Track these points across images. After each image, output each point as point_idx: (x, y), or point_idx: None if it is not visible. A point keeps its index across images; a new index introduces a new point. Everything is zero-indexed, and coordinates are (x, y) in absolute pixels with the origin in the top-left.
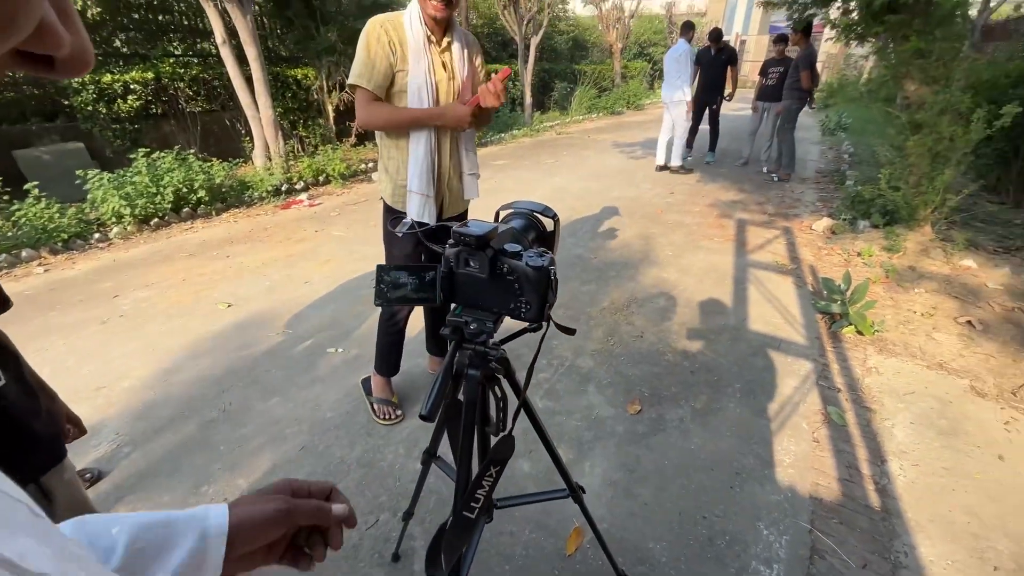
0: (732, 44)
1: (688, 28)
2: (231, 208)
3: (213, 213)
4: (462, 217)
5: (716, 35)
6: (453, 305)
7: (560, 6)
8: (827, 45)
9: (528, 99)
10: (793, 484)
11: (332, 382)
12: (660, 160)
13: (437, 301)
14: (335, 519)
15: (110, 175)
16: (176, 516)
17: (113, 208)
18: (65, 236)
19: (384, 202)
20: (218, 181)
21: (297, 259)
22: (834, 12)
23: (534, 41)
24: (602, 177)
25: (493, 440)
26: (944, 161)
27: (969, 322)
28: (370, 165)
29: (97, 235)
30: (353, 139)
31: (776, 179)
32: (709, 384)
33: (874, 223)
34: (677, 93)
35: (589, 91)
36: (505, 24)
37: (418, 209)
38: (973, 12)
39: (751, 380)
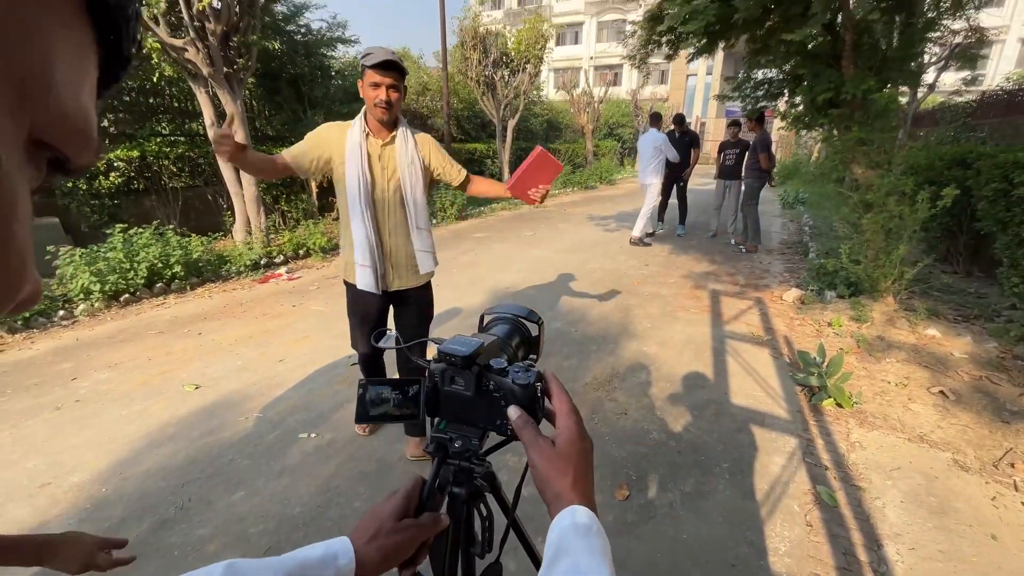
0: (693, 126)
1: (656, 119)
2: (207, 283)
3: (188, 288)
4: (423, 290)
5: (679, 120)
6: (436, 419)
7: (535, 92)
8: (780, 126)
9: (506, 175)
10: None
11: (303, 472)
12: (650, 228)
13: (420, 417)
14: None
15: (83, 251)
16: (310, 558)
17: (82, 284)
18: (26, 314)
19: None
20: (195, 256)
21: (272, 336)
22: (782, 105)
23: (511, 123)
24: (579, 249)
25: (478, 562)
26: (897, 237)
27: (942, 392)
28: None
29: (62, 312)
30: (336, 213)
31: (744, 251)
32: (697, 464)
33: (840, 294)
34: (652, 176)
35: (564, 167)
36: (484, 108)
37: (364, 279)
38: (904, 100)
39: (738, 459)
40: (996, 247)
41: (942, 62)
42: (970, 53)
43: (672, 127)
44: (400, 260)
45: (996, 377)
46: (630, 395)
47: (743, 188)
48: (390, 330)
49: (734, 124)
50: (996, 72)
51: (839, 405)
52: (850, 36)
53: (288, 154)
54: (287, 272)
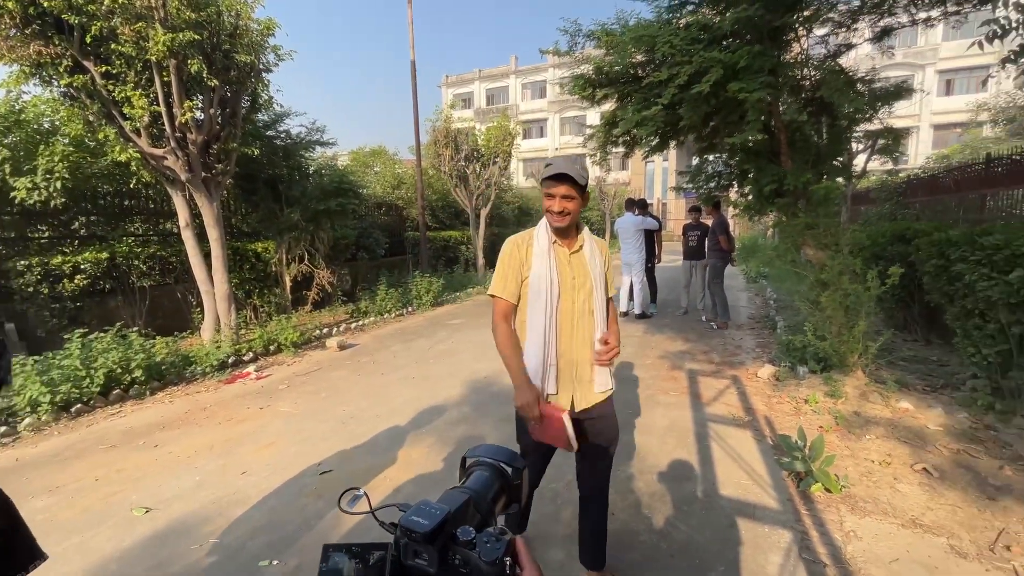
0: (654, 208)
1: (631, 203)
2: (169, 386)
3: (148, 393)
4: (606, 405)
5: (643, 204)
6: None
7: (505, 182)
8: (734, 213)
9: (480, 260)
10: None
11: None
12: (623, 308)
13: None
14: None
15: (36, 359)
16: None
17: (30, 396)
18: None
19: None
20: (159, 358)
21: (236, 443)
22: (733, 194)
23: (484, 212)
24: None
25: None
26: (855, 313)
27: (925, 469)
28: (325, 331)
29: (3, 429)
30: (309, 306)
31: (715, 327)
32: (692, 569)
33: (812, 369)
34: (635, 253)
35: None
36: (457, 199)
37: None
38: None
39: (733, 559)
40: (947, 318)
41: (867, 153)
42: (887, 147)
43: (636, 212)
44: (584, 375)
45: (973, 450)
46: (616, 492)
47: (708, 267)
48: (357, 489)
49: (694, 209)
50: (917, 153)
51: (828, 490)
52: (784, 136)
53: (504, 292)
54: (256, 371)
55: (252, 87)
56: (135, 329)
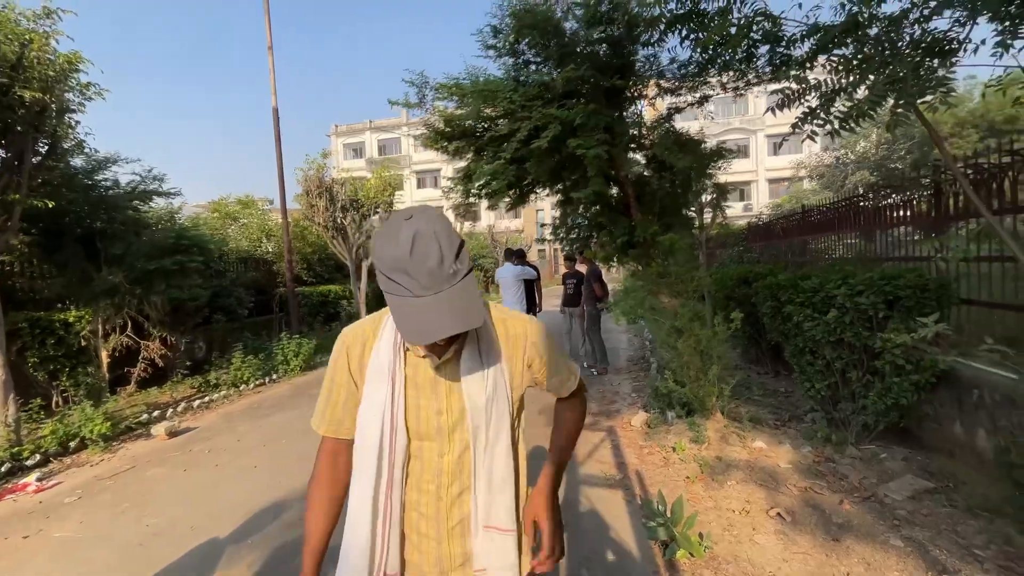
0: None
1: (509, 254)
2: None
3: None
4: None
5: (520, 254)
6: None
7: None
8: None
9: (364, 315)
10: None
11: None
12: None
13: None
14: None
15: None
16: None
17: None
18: None
19: None
20: None
21: None
22: (594, 245)
23: (365, 264)
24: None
25: None
26: (709, 358)
27: (779, 514)
28: (155, 413)
29: None
30: (132, 386)
31: (596, 373)
32: None
33: (678, 414)
34: (517, 304)
35: None
36: (335, 251)
37: None
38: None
39: None
40: (785, 355)
41: (707, 207)
42: (714, 202)
43: (515, 261)
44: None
45: (817, 487)
46: None
47: (585, 315)
48: None
49: (569, 258)
50: (758, 202)
51: (692, 554)
52: (631, 190)
53: (322, 424)
54: (39, 480)
55: (50, 129)
56: None
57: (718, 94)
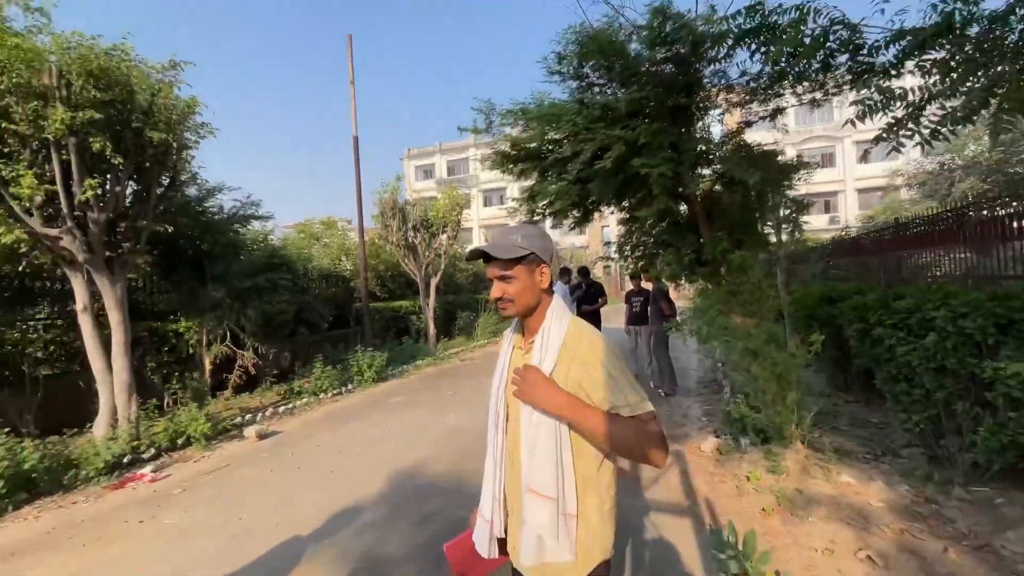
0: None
1: (566, 272)
2: (41, 497)
3: (10, 508)
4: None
5: (584, 272)
6: None
7: (458, 250)
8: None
9: (432, 330)
10: None
11: None
12: None
13: None
14: None
15: None
16: None
17: None
18: None
19: None
20: (27, 466)
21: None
22: (659, 264)
23: (434, 281)
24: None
25: None
26: (787, 383)
27: (869, 557)
28: (247, 416)
29: None
30: (229, 392)
31: (663, 394)
32: None
33: (752, 441)
34: None
35: (491, 318)
36: (406, 268)
37: (479, 536)
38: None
39: None
40: (876, 382)
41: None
42: (791, 218)
43: (578, 279)
44: (515, 530)
45: (916, 530)
46: None
47: (652, 334)
48: None
49: (634, 276)
50: (847, 214)
51: None
52: (699, 207)
53: None
54: (153, 471)
55: (172, 164)
56: (7, 430)
57: (793, 105)
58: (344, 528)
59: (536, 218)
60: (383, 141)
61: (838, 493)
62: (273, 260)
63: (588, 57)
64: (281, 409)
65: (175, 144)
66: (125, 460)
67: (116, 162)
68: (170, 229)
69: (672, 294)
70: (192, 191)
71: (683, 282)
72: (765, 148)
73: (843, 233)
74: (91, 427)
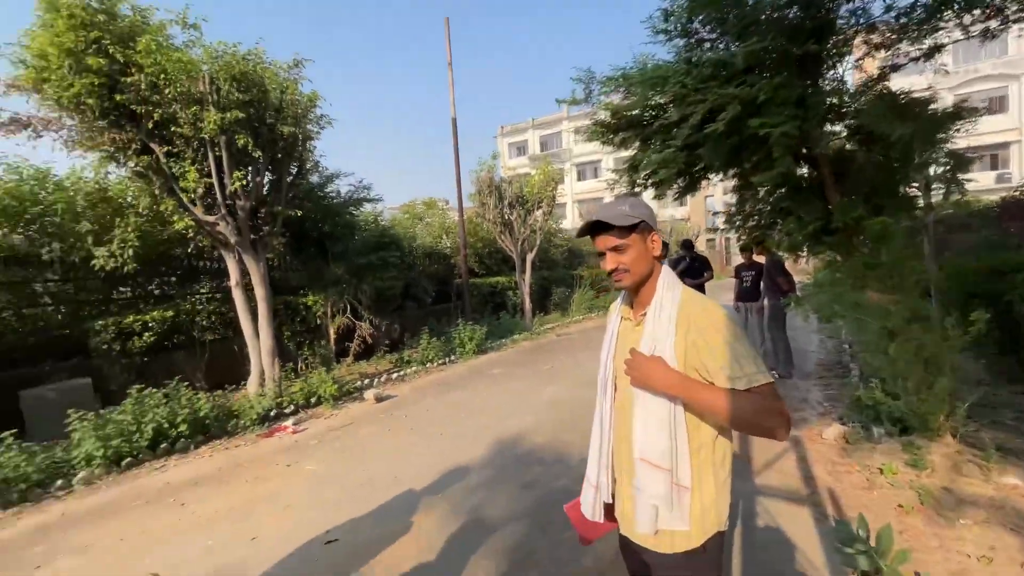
0: (716, 243)
1: (688, 245)
2: (212, 440)
3: (192, 447)
4: (655, 559)
5: (688, 245)
6: None
7: (552, 225)
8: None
9: (528, 305)
10: None
11: None
12: None
13: None
14: None
15: (93, 416)
16: None
17: (86, 451)
18: (24, 486)
19: None
20: (202, 413)
21: (255, 505)
22: (776, 234)
23: (529, 256)
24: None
25: None
26: (936, 368)
27: None
28: (365, 381)
29: (60, 481)
30: (350, 359)
31: (777, 376)
32: None
33: (888, 432)
34: None
35: (586, 293)
36: (502, 245)
37: (585, 502)
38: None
39: None
40: None
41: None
42: (947, 176)
43: (681, 252)
44: (625, 497)
45: None
46: None
47: (766, 311)
48: None
49: (745, 248)
50: (1022, 170)
51: None
52: (828, 169)
53: None
54: (294, 424)
55: (299, 154)
56: (186, 384)
57: (957, 40)
58: (453, 486)
59: (636, 190)
60: (478, 121)
61: (1000, 496)
62: (383, 239)
63: (699, 10)
64: (394, 376)
65: (301, 136)
66: (272, 414)
67: (256, 155)
68: (299, 213)
69: (788, 267)
70: (314, 178)
71: (804, 254)
72: (914, 95)
73: (1017, 193)
74: (244, 385)
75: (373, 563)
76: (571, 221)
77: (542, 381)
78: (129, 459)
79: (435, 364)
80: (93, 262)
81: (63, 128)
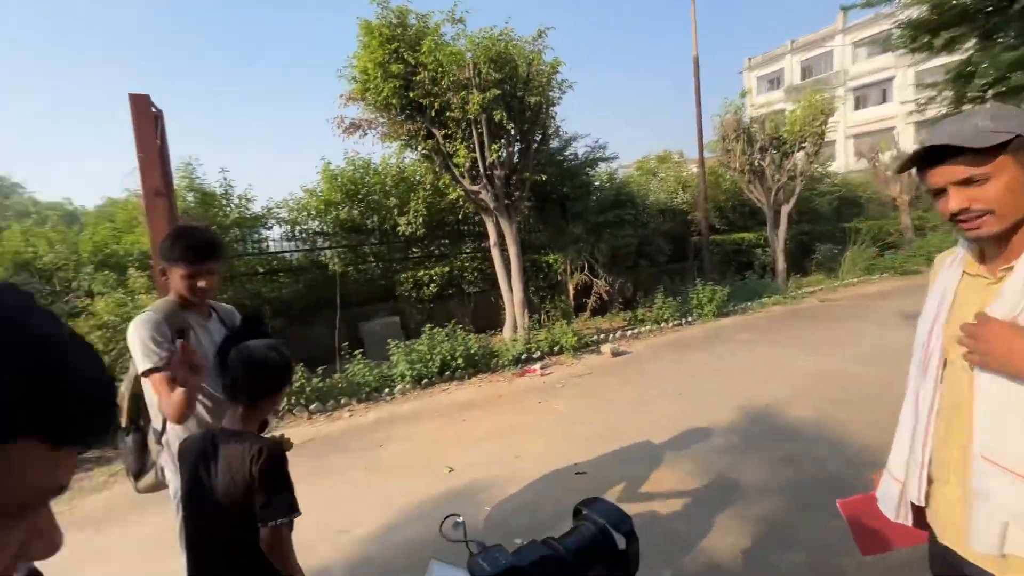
0: None
1: None
2: (479, 373)
3: (466, 377)
4: None
5: None
6: None
7: (817, 169)
8: None
9: (781, 264)
10: None
11: None
12: None
13: None
14: None
15: (404, 344)
16: None
17: (401, 370)
18: (367, 390)
19: None
20: (472, 351)
21: (515, 432)
22: None
23: (785, 208)
24: (878, 361)
25: None
26: None
27: None
28: (601, 336)
29: (386, 390)
30: (588, 313)
31: None
32: None
33: None
34: None
35: (865, 251)
36: (750, 196)
37: (886, 498)
38: None
39: None
40: None
41: None
42: None
43: None
44: (951, 500)
45: None
46: None
47: None
48: (458, 516)
49: None
50: None
51: None
52: None
53: None
54: (541, 368)
55: (542, 121)
56: (459, 326)
57: None
58: (697, 444)
59: (966, 105)
60: (721, 57)
61: None
62: (619, 197)
63: None
64: (628, 333)
65: (544, 104)
66: (522, 357)
67: (509, 127)
68: (543, 177)
69: None
70: (554, 143)
71: None
72: None
73: None
74: (500, 331)
75: (622, 500)
76: (843, 162)
77: (800, 350)
78: (425, 380)
79: (670, 324)
80: (398, 229)
81: (378, 126)
